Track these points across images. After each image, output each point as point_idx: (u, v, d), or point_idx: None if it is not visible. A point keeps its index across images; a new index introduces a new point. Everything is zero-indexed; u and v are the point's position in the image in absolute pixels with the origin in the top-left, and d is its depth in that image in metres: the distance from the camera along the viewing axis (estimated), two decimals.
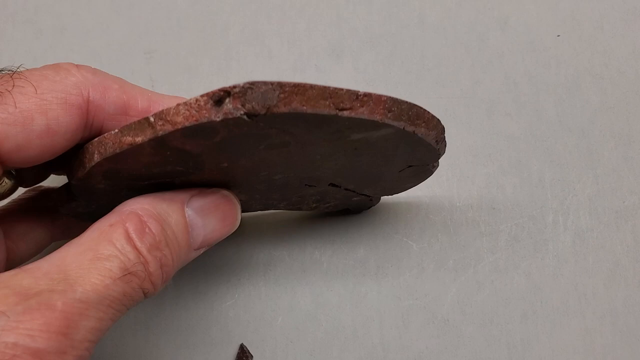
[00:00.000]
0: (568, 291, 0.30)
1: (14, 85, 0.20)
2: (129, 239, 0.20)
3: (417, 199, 0.32)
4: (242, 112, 0.17)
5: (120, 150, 0.19)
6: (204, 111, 0.18)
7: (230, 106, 0.17)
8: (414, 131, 0.21)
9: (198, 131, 0.18)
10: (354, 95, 0.19)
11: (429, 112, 0.21)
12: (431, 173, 0.26)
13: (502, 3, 0.35)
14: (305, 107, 0.18)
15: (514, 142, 0.33)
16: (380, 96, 0.19)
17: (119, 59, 0.35)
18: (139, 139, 0.19)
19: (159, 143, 0.19)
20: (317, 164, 0.23)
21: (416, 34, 0.34)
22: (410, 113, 0.20)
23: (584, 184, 0.32)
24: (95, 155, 0.20)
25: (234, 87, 0.17)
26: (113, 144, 0.20)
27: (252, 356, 0.30)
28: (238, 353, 0.30)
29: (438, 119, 0.22)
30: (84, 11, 0.36)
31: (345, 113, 0.19)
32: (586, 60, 0.34)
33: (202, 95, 0.18)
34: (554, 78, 0.34)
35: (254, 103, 0.17)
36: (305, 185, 0.25)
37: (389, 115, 0.20)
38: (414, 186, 0.28)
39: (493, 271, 0.31)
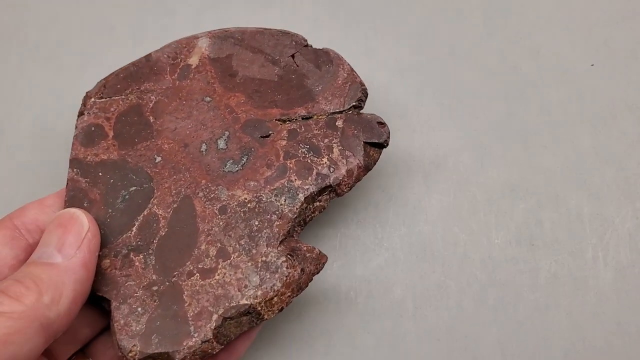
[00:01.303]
0: (611, 329, 0.30)
1: None
2: None
3: (455, 236, 0.31)
4: None
5: None
6: None
7: None
8: None
9: None
10: None
11: None
12: None
13: (533, 32, 0.34)
14: None
15: (550, 175, 0.32)
16: None
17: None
18: None
19: None
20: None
21: (447, 65, 0.34)
22: None
23: (623, 217, 0.31)
24: None
25: None
26: None
27: None
28: None
29: None
30: (105, 47, 0.35)
31: None
32: (621, 89, 0.33)
33: None
34: (589, 108, 0.33)
35: None
36: (262, 137, 0.27)
37: None
38: None
39: (533, 310, 0.30)
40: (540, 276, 0.31)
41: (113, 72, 0.29)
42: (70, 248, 0.23)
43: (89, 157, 0.27)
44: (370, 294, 0.30)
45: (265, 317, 0.25)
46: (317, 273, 0.25)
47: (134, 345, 0.24)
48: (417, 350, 0.30)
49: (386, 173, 0.32)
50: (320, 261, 0.26)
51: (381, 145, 0.28)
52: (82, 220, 0.24)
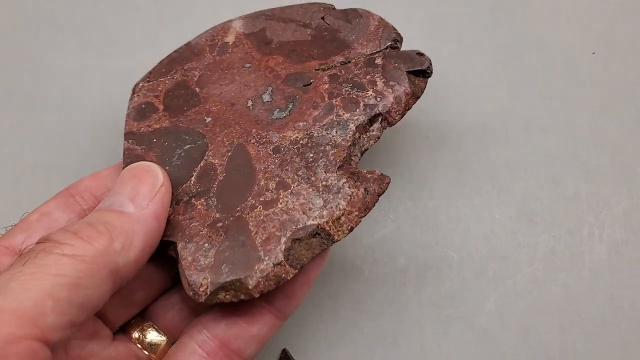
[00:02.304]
0: (604, 303, 0.31)
1: None
2: None
3: (457, 210, 0.33)
4: None
5: None
6: None
7: None
8: None
9: None
10: None
11: None
12: None
13: (537, 22, 0.36)
14: None
15: (550, 157, 0.34)
16: None
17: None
18: None
19: None
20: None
21: (454, 51, 0.36)
22: None
23: (619, 198, 0.33)
24: None
25: None
26: None
27: None
28: (281, 357, 0.30)
29: None
30: (132, 24, 0.37)
31: None
32: (620, 78, 0.35)
33: None
34: (588, 95, 0.35)
35: None
36: (303, 85, 0.28)
37: None
38: None
39: (531, 282, 0.31)
40: (539, 251, 0.32)
41: (157, 64, 0.30)
42: (143, 199, 0.23)
43: (142, 129, 0.28)
44: (375, 262, 0.32)
45: (336, 237, 0.24)
46: (382, 193, 0.25)
47: (204, 277, 0.23)
48: (418, 316, 0.31)
49: (394, 149, 0.34)
50: (383, 181, 0.25)
51: (425, 73, 0.28)
52: (157, 173, 0.24)
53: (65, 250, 0.20)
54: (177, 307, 0.27)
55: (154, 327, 0.26)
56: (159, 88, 0.29)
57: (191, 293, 0.23)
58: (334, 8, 0.31)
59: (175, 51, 0.30)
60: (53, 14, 0.37)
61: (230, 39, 0.30)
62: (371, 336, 0.31)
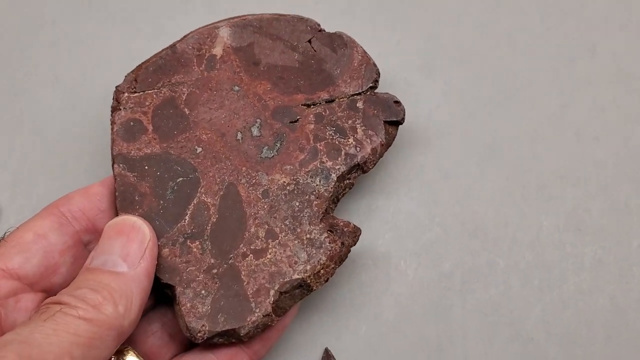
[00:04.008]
0: None
1: None
2: None
3: (505, 217, 0.32)
4: None
5: None
6: None
7: None
8: None
9: None
10: None
11: None
12: None
13: (590, 30, 0.35)
14: None
15: (601, 166, 0.33)
16: None
17: None
18: None
19: None
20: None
21: (506, 55, 0.35)
22: None
23: None
24: None
25: None
26: None
27: None
28: (323, 357, 0.30)
29: None
30: (180, 14, 0.37)
31: None
32: None
33: None
34: None
35: None
36: (290, 122, 0.30)
37: None
38: None
39: (577, 292, 0.31)
40: (586, 261, 0.32)
41: (141, 66, 0.30)
42: (135, 257, 0.25)
43: (132, 152, 0.29)
44: (420, 266, 0.32)
45: (314, 288, 0.27)
46: (354, 245, 0.28)
47: (203, 325, 0.26)
48: (462, 322, 0.31)
49: (443, 154, 0.33)
50: (356, 234, 0.28)
51: (398, 123, 0.30)
52: (144, 230, 0.26)
53: (80, 312, 0.22)
54: (158, 334, 0.28)
55: (133, 352, 0.26)
56: (147, 103, 0.30)
57: (188, 335, 0.26)
58: (320, 29, 0.31)
59: (161, 57, 0.30)
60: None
61: (217, 51, 0.31)
62: (414, 341, 0.31)
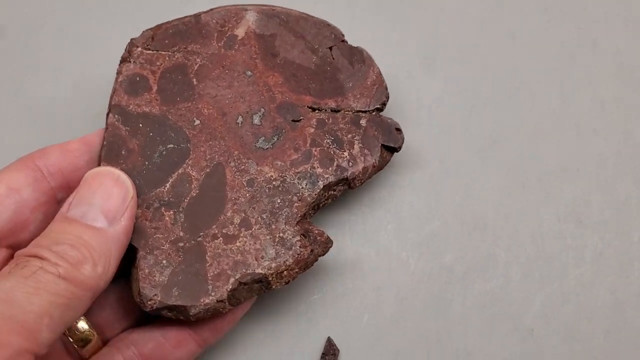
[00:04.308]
0: None
1: None
2: None
3: (506, 210, 0.32)
4: None
5: None
6: None
7: None
8: None
9: None
10: None
11: None
12: None
13: (591, 24, 0.36)
14: None
15: (601, 160, 0.33)
16: None
17: None
18: None
19: None
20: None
21: (507, 50, 0.35)
22: None
23: None
24: None
25: None
26: None
27: (339, 351, 0.30)
28: (325, 345, 0.30)
29: None
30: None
31: None
32: None
33: None
34: None
35: None
36: (293, 121, 0.30)
37: None
38: None
39: (578, 285, 0.31)
40: (586, 254, 0.32)
41: (161, 25, 0.30)
42: (116, 214, 0.24)
43: (131, 107, 0.28)
44: (421, 257, 0.32)
45: (273, 286, 0.27)
46: (323, 255, 0.28)
47: (155, 295, 0.26)
48: (463, 313, 0.31)
49: (445, 148, 0.34)
50: (327, 245, 0.28)
51: (394, 150, 0.30)
52: (127, 186, 0.25)
53: (61, 271, 0.21)
54: (114, 307, 0.28)
55: (85, 320, 0.26)
56: (158, 63, 0.29)
57: (138, 301, 0.26)
58: (344, 40, 0.31)
59: (183, 22, 0.30)
60: None
61: (240, 32, 0.31)
62: (415, 331, 0.31)
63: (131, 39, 0.30)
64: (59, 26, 0.36)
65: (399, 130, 0.30)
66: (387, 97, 0.31)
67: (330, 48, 0.31)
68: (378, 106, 0.30)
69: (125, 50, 0.29)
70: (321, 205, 0.29)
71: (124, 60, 0.29)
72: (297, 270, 0.27)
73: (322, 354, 0.30)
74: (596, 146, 0.34)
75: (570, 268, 0.32)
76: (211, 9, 0.31)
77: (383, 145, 0.30)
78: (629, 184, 0.33)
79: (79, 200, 0.24)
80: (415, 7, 0.36)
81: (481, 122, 0.34)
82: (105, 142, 0.28)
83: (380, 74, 0.31)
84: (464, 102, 0.34)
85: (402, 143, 0.30)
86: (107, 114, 0.28)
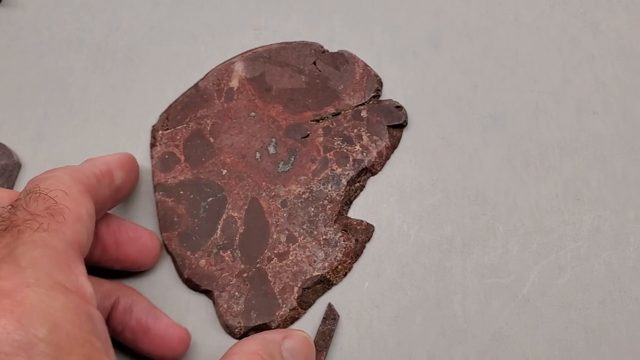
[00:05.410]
0: None
1: None
2: None
3: (506, 185, 0.33)
4: None
5: None
6: None
7: None
8: None
9: None
10: None
11: None
12: None
13: (594, 8, 0.37)
14: None
15: (600, 139, 0.34)
16: None
17: (229, 33, 0.37)
18: None
19: None
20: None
21: (511, 31, 0.36)
22: None
23: None
24: None
25: None
26: None
27: (339, 316, 0.31)
28: (326, 311, 0.31)
29: None
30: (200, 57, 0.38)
31: None
32: None
33: None
34: None
35: None
36: (302, 137, 0.33)
37: None
38: None
39: (574, 258, 0.32)
40: (583, 228, 0.33)
41: (171, 106, 0.34)
42: None
43: (169, 181, 0.33)
44: (422, 228, 0.33)
45: (334, 282, 0.31)
46: (369, 240, 0.32)
47: (239, 322, 0.30)
48: (461, 282, 0.32)
49: (447, 123, 0.35)
50: (369, 230, 0.32)
51: (402, 126, 0.33)
52: None
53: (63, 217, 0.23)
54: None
55: None
56: (178, 137, 0.33)
57: (227, 332, 0.30)
58: (323, 50, 0.35)
59: (187, 96, 0.34)
60: None
61: (234, 83, 0.34)
62: (414, 298, 0.32)
63: (152, 126, 0.34)
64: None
65: (399, 107, 0.33)
66: (380, 83, 0.33)
67: (314, 62, 0.34)
68: (373, 94, 0.33)
69: (151, 136, 0.34)
70: (352, 198, 0.32)
71: (152, 145, 0.33)
72: (349, 261, 0.31)
73: (323, 318, 0.31)
74: (595, 125, 0.34)
75: (567, 241, 0.32)
76: (206, 74, 0.35)
77: (389, 126, 0.33)
78: (626, 162, 0.34)
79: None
80: None
81: (484, 101, 0.35)
82: (159, 217, 0.32)
83: (366, 66, 0.34)
84: (468, 79, 0.35)
85: (406, 118, 0.33)
86: (154, 193, 0.32)
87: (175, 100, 0.35)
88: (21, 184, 0.34)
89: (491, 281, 0.32)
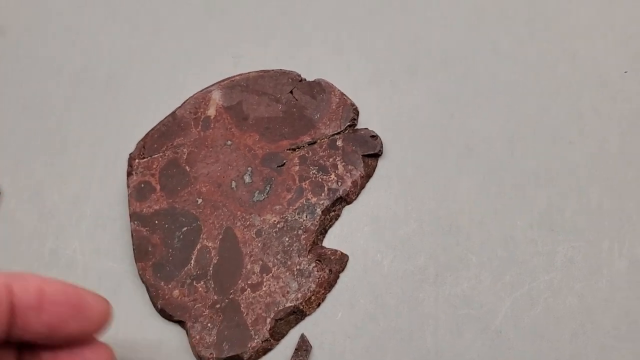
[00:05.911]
0: (619, 316, 0.31)
1: None
2: None
3: (480, 215, 0.33)
4: None
5: None
6: None
7: None
8: None
9: None
10: None
11: None
12: None
13: (572, 37, 0.37)
14: None
15: (575, 169, 0.34)
16: None
17: (208, 60, 0.38)
18: None
19: None
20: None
21: (488, 60, 0.36)
22: None
23: None
24: None
25: None
26: None
27: (311, 347, 0.31)
28: (299, 342, 0.31)
29: None
30: (180, 14, 0.39)
31: None
32: None
33: None
34: (618, 113, 0.35)
35: None
36: (278, 166, 0.33)
37: None
38: None
39: (547, 289, 0.32)
40: (557, 259, 0.33)
41: (148, 134, 0.34)
42: None
43: (144, 210, 0.33)
44: (396, 258, 0.33)
45: (307, 313, 0.31)
46: (342, 270, 0.32)
47: (211, 353, 0.30)
48: (434, 314, 0.32)
49: (423, 152, 0.35)
50: (343, 260, 0.32)
51: (377, 155, 0.33)
52: None
53: None
54: None
55: None
56: (154, 166, 0.33)
57: None
58: (301, 79, 0.35)
59: (164, 124, 0.34)
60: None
61: (211, 112, 0.34)
62: (386, 329, 0.32)
63: (129, 154, 0.34)
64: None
65: (374, 136, 0.33)
66: (357, 112, 0.33)
67: (291, 91, 0.34)
68: (349, 123, 0.33)
69: (128, 165, 0.34)
70: (327, 227, 0.33)
71: (129, 174, 0.33)
72: (323, 291, 0.31)
73: (295, 349, 0.31)
74: (571, 155, 0.34)
75: (540, 273, 0.32)
76: (183, 102, 0.35)
77: (364, 156, 0.33)
78: (602, 193, 0.34)
79: None
80: (401, 14, 0.37)
81: (459, 129, 0.35)
82: (134, 246, 0.32)
83: (343, 95, 0.34)
84: (444, 108, 0.36)
85: (381, 147, 0.33)
86: (130, 222, 0.32)
87: (153, 128, 0.35)
88: (2, 210, 0.34)
89: (463, 312, 0.32)
